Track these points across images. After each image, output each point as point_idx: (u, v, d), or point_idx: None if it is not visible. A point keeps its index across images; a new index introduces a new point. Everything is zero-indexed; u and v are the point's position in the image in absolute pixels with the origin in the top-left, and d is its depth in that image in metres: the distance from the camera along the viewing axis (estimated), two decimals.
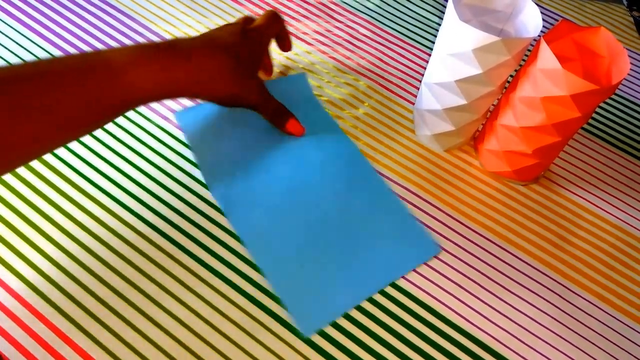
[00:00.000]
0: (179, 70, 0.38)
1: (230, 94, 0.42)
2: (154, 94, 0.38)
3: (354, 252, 0.42)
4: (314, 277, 0.40)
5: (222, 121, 0.47)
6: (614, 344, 0.42)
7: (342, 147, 0.48)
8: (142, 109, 0.48)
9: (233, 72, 0.41)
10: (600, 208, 0.49)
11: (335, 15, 0.60)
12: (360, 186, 0.45)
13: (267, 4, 0.59)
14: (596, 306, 0.43)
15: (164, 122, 0.48)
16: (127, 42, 0.53)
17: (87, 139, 0.46)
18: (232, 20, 0.57)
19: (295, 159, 0.46)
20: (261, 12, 0.58)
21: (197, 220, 0.43)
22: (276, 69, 0.53)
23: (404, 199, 0.46)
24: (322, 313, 0.39)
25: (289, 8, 0.59)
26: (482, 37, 0.39)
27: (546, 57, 0.39)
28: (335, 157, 0.46)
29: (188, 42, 0.40)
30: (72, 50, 0.51)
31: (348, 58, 0.56)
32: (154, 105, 0.49)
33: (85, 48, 0.52)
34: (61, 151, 0.45)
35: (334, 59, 0.56)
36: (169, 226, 0.42)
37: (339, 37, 0.58)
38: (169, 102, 0.49)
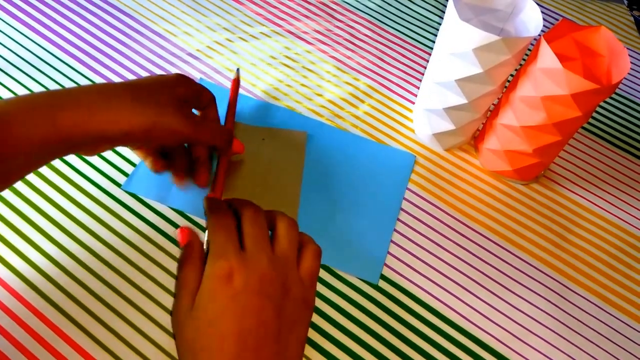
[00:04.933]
0: (65, 120, 0.32)
1: (142, 130, 0.35)
2: (40, 153, 0.32)
3: (356, 200, 0.46)
4: (340, 235, 0.43)
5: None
6: (614, 343, 0.42)
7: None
8: None
9: (137, 103, 0.35)
10: (601, 207, 0.49)
11: (336, 15, 0.60)
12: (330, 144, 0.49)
13: (268, 3, 0.59)
14: (596, 305, 0.43)
15: None
16: (128, 41, 0.53)
17: None
18: (231, 19, 0.57)
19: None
20: (261, 11, 0.58)
21: (194, 219, 0.43)
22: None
23: (404, 199, 0.46)
24: (374, 258, 0.43)
25: (290, 7, 0.59)
26: (482, 37, 0.39)
27: (546, 56, 0.39)
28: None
29: (84, 87, 0.34)
30: (73, 50, 0.51)
31: (348, 57, 0.56)
32: None
33: (86, 48, 0.52)
34: None
35: (335, 58, 0.56)
36: (166, 223, 0.42)
37: (340, 36, 0.58)
38: None
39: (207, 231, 0.36)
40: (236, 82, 0.48)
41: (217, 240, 0.34)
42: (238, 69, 0.50)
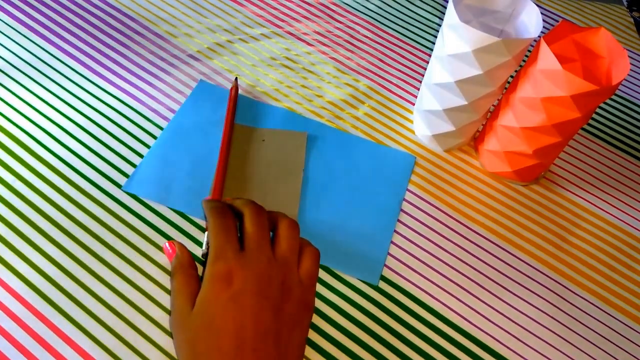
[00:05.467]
0: None
1: None
2: None
3: (356, 201, 0.46)
4: (340, 236, 0.44)
5: (171, 163, 0.45)
6: (614, 343, 0.42)
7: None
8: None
9: None
10: (600, 208, 0.49)
11: (336, 16, 0.60)
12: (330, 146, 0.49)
13: (268, 4, 0.59)
14: (596, 306, 0.43)
15: (164, 121, 0.48)
16: (128, 42, 0.53)
17: (87, 137, 0.46)
18: (231, 21, 0.57)
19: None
20: (262, 12, 0.58)
21: (197, 221, 0.43)
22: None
23: (404, 200, 0.46)
24: (374, 259, 0.43)
25: (289, 8, 0.59)
26: (482, 38, 0.39)
27: (546, 58, 0.39)
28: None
29: None
30: (73, 52, 0.51)
31: (348, 58, 0.56)
32: (154, 106, 0.49)
33: (86, 48, 0.52)
34: (60, 150, 0.45)
35: (334, 59, 0.56)
36: (166, 224, 0.42)
37: (339, 37, 0.58)
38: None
39: (206, 233, 0.36)
40: (234, 91, 0.49)
41: (217, 242, 0.34)
42: (236, 78, 0.50)
